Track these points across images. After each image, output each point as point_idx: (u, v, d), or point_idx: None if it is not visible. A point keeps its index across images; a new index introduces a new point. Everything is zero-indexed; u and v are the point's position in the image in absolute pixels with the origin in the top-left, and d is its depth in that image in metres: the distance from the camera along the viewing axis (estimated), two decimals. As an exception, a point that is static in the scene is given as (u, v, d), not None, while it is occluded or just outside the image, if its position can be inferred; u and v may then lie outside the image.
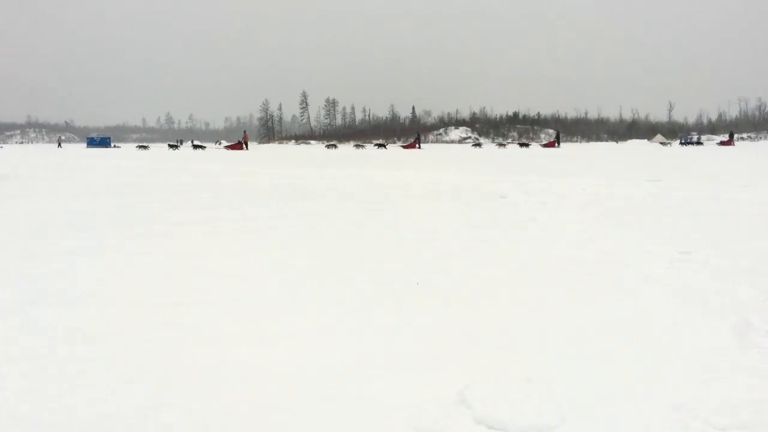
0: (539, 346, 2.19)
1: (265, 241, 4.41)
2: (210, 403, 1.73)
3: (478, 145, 60.93)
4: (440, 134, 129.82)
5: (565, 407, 1.69)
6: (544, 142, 68.22)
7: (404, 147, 52.03)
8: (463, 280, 3.18)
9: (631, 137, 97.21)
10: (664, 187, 8.81)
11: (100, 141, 58.84)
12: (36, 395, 1.77)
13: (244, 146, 43.55)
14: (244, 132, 49.37)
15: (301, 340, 2.24)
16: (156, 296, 2.84)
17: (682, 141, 62.15)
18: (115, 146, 58.56)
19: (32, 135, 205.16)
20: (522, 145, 57.82)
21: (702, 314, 2.58)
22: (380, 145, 53.21)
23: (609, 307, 2.68)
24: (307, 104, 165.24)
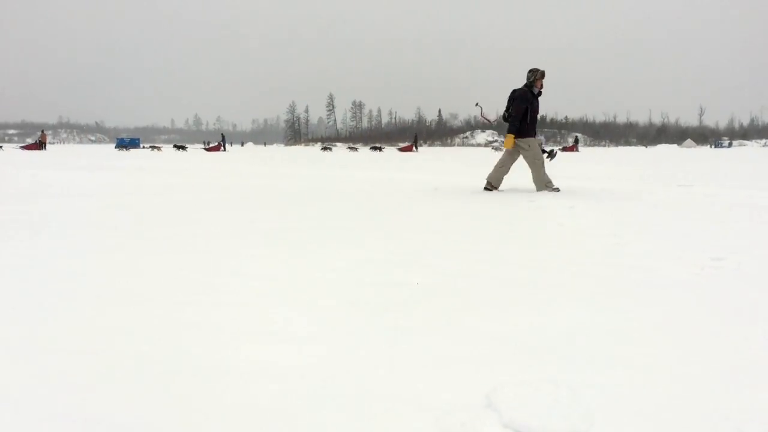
0: (565, 351, 2.16)
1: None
2: (239, 398, 1.75)
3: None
4: (466, 137, 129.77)
5: (593, 412, 1.68)
6: (402, 145, 67.51)
7: (207, 150, 48.24)
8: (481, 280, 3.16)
9: (660, 141, 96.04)
10: (696, 192, 8.66)
11: (129, 141, 59.85)
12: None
13: (41, 147, 45.10)
14: (42, 131, 51.16)
15: (322, 341, 2.25)
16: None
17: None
18: (144, 147, 59.42)
19: (63, 135, 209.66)
20: (374, 148, 60.02)
21: (734, 321, 2.53)
22: (180, 147, 50.79)
23: (638, 312, 2.65)
24: (333, 106, 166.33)
